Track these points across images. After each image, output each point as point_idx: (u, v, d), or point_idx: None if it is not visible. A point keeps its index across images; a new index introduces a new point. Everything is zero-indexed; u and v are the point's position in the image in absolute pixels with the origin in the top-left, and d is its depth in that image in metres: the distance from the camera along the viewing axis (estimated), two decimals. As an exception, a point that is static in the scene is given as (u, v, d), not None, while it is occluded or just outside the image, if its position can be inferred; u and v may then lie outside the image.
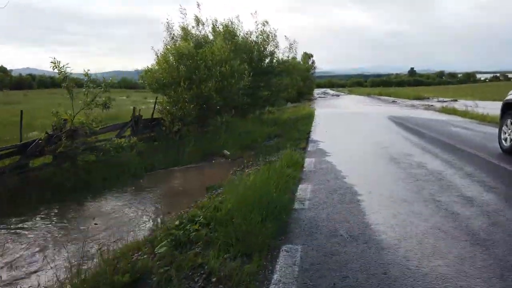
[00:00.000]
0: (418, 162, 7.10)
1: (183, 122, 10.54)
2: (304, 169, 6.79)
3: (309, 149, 9.10)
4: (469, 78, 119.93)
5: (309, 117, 18.35)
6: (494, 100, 33.10)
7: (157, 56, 11.82)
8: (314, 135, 11.79)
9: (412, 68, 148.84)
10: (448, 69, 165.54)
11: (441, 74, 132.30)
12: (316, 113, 21.26)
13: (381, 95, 48.60)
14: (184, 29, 12.26)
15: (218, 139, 11.63)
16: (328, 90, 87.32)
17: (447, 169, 6.52)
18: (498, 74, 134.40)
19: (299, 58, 45.94)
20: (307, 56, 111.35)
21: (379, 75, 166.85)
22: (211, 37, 15.32)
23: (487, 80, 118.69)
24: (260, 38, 17.95)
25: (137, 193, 7.45)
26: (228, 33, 15.31)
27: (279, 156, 8.40)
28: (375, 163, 7.34)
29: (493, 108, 24.68)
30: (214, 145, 11.24)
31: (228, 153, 10.81)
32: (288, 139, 11.59)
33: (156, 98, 12.21)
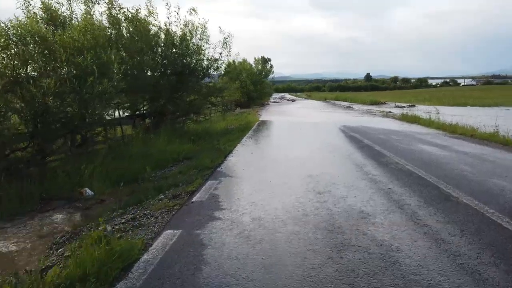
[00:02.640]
0: (390, 251, 3.42)
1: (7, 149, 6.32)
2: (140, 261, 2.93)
3: (195, 197, 5.22)
4: (422, 83, 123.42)
5: (245, 129, 14.61)
6: (452, 105, 31.53)
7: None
8: (229, 161, 8.00)
9: (368, 74, 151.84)
10: (401, 74, 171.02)
11: (395, 79, 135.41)
12: (257, 122, 17.60)
13: (337, 99, 46.41)
14: (47, 7, 7.97)
15: (84, 169, 7.44)
16: (286, 95, 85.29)
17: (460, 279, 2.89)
18: (448, 80, 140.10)
19: (248, 59, 42.56)
20: (264, 60, 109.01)
21: (337, 80, 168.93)
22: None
23: (438, 85, 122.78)
24: (182, 29, 13.98)
25: None
26: (129, 21, 11.17)
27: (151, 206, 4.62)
28: (297, 252, 3.58)
29: (456, 114, 22.52)
30: (70, 180, 7.05)
31: (92, 193, 6.70)
32: (195, 166, 7.72)
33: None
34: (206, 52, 15.00)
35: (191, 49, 14.14)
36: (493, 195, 4.88)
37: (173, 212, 4.59)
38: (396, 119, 18.60)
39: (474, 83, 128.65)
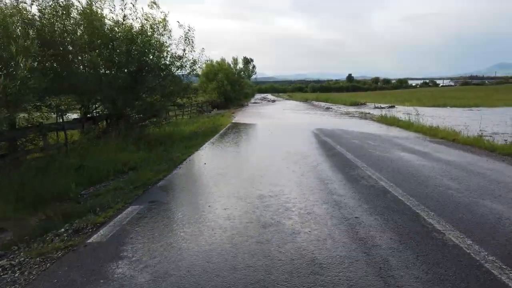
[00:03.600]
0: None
1: None
2: None
3: (96, 235, 3.85)
4: (402, 84, 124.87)
5: (210, 134, 13.29)
6: (432, 106, 30.93)
7: None
8: (174, 174, 6.65)
9: (350, 75, 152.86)
10: (382, 75, 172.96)
11: (376, 80, 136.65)
12: (228, 126, 16.29)
13: (318, 100, 45.64)
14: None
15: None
16: (269, 96, 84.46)
17: None
18: (427, 81, 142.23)
19: (218, 57, 40.81)
20: (246, 60, 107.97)
21: (319, 81, 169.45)
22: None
23: (417, 86, 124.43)
24: (143, 23, 12.52)
25: None
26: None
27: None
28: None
29: (436, 116, 21.70)
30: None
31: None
32: (134, 180, 6.35)
33: None
34: (169, 49, 13.58)
35: (151, 45, 12.68)
36: (488, 228, 3.72)
37: (49, 264, 3.22)
38: (375, 121, 17.62)
39: (452, 84, 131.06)
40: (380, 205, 4.45)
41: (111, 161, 8.36)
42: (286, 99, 62.28)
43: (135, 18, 12.08)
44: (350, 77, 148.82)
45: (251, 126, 16.10)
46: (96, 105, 12.91)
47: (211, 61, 40.40)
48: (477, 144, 9.36)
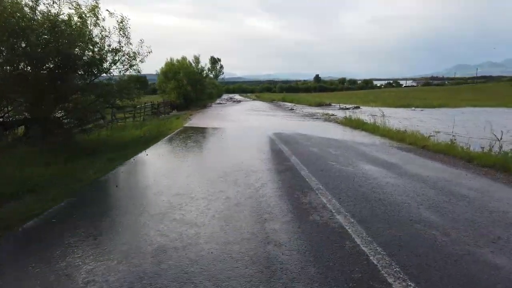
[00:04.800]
0: None
1: None
2: None
3: None
4: (367, 84, 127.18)
5: (151, 141, 11.41)
6: (397, 106, 30.42)
7: None
8: (65, 205, 4.80)
9: (317, 75, 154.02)
10: (349, 76, 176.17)
11: (343, 81, 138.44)
12: (177, 130, 14.45)
13: (284, 101, 44.47)
14: None
15: None
16: (236, 96, 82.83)
17: None
18: (391, 81, 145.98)
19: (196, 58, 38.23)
20: (213, 60, 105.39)
21: (288, 81, 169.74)
22: None
23: (382, 86, 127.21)
24: (70, 14, 10.43)
25: None
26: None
27: None
28: None
29: (402, 117, 20.80)
30: None
31: None
32: (11, 212, 4.45)
33: None
34: (103, 42, 11.56)
35: (78, 36, 10.61)
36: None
37: None
38: (339, 123, 16.40)
39: (414, 84, 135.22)
40: (335, 268, 2.89)
41: (8, 178, 6.40)
42: (253, 99, 60.82)
43: (51, 3, 9.98)
44: (317, 78, 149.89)
45: (203, 130, 14.34)
46: (8, 108, 10.73)
47: (172, 59, 38.19)
48: (450, 152, 8.16)
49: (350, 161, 7.31)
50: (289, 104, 36.86)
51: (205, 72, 42.19)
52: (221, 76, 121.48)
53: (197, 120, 20.01)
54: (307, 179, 5.75)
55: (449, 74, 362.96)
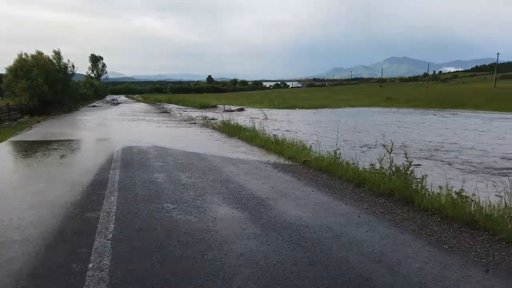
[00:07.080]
0: None
1: None
2: None
3: None
4: (258, 85, 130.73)
5: None
6: (283, 107, 29.86)
7: None
8: None
9: (209, 76, 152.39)
10: (241, 77, 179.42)
11: (235, 81, 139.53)
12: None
13: (170, 102, 40.75)
14: None
15: None
16: (121, 97, 75.10)
17: None
18: (279, 82, 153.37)
19: (65, 56, 30.77)
20: (94, 58, 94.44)
21: (181, 82, 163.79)
22: None
23: (271, 87, 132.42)
24: None
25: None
26: None
27: None
28: None
29: (285, 120, 19.56)
30: None
31: None
32: None
33: None
34: None
35: None
36: None
37: None
38: (215, 129, 13.98)
39: (300, 85, 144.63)
40: None
41: None
42: (138, 101, 55.23)
43: None
44: (210, 79, 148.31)
45: (29, 149, 10.23)
46: None
47: (26, 55, 30.95)
48: (335, 171, 6.30)
49: (199, 200, 4.74)
50: (172, 106, 33.50)
51: (70, 69, 35.47)
52: (104, 76, 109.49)
53: (39, 129, 15.31)
54: (92, 266, 2.91)
55: (328, 76, 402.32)
